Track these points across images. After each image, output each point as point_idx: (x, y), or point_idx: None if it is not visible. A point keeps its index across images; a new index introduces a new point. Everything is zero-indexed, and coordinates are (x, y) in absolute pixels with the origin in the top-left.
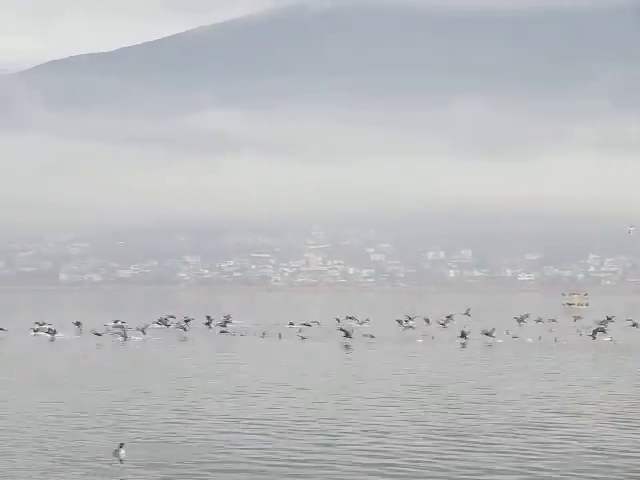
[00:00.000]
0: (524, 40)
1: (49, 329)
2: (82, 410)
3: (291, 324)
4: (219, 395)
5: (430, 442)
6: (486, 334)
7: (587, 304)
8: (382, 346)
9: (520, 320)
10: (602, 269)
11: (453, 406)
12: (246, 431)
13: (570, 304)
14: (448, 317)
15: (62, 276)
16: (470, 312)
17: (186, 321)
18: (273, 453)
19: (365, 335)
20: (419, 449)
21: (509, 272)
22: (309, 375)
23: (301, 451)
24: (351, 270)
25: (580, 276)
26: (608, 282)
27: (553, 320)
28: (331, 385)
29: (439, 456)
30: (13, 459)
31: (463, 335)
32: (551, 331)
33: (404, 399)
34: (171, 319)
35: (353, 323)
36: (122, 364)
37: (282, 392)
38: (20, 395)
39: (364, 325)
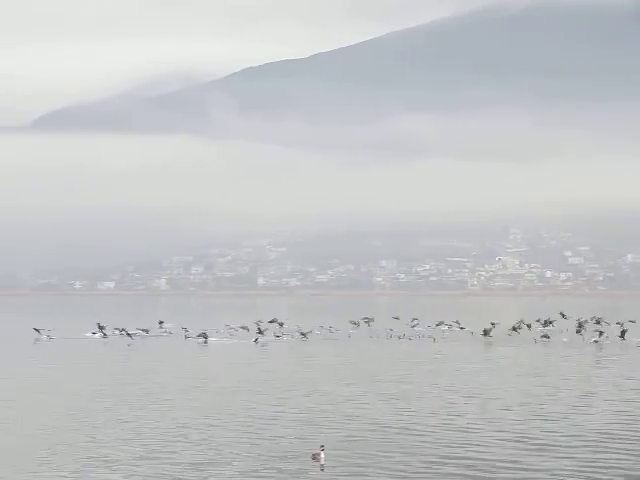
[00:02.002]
0: None
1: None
2: (278, 413)
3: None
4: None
5: None
6: None
7: None
8: None
9: None
10: None
11: None
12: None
13: None
14: None
15: (260, 281)
16: None
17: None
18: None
19: None
20: None
21: None
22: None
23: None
24: (548, 274)
25: None
26: None
27: None
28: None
29: None
30: (209, 466)
31: None
32: None
33: None
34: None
35: None
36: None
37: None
38: (227, 399)
39: None
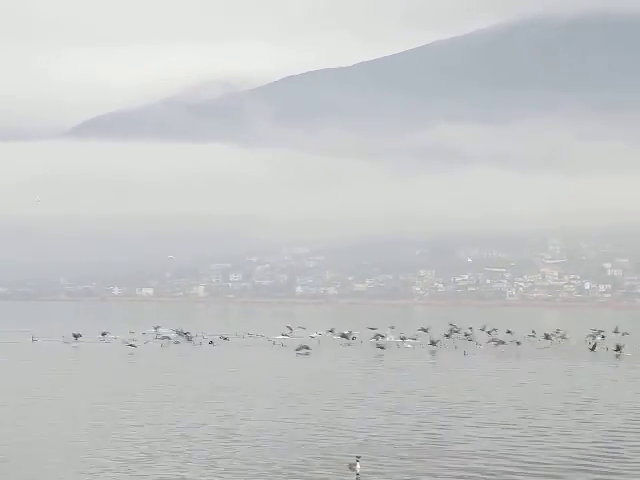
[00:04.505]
0: None
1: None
2: (318, 422)
3: None
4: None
5: None
6: None
7: None
8: None
9: None
10: None
11: None
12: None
13: None
14: None
15: (298, 289)
16: None
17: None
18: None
19: None
20: None
21: None
22: None
23: None
24: (587, 285)
25: None
26: None
27: None
28: None
29: None
30: (245, 470)
31: None
32: None
33: None
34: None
35: None
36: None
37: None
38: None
39: None
